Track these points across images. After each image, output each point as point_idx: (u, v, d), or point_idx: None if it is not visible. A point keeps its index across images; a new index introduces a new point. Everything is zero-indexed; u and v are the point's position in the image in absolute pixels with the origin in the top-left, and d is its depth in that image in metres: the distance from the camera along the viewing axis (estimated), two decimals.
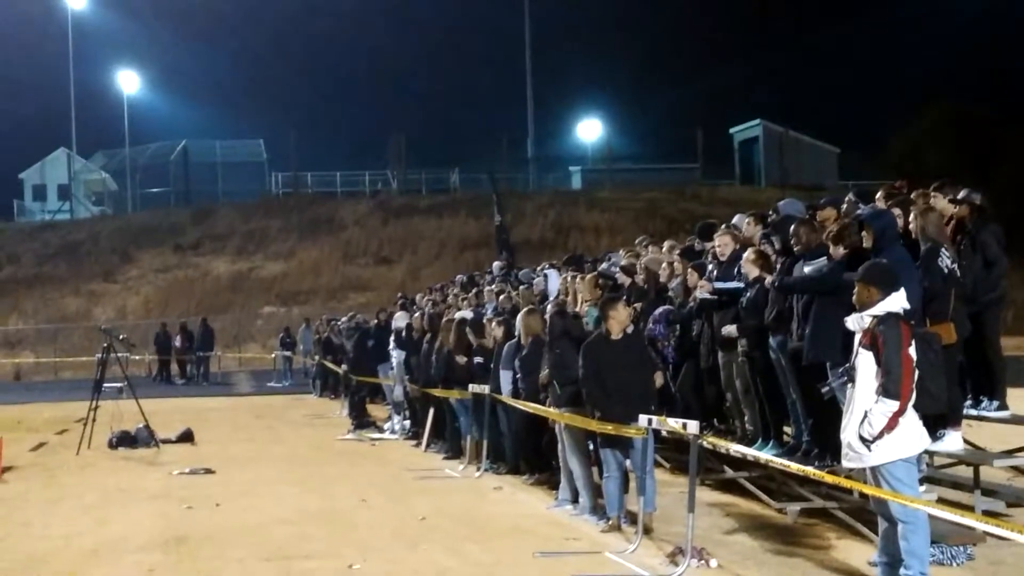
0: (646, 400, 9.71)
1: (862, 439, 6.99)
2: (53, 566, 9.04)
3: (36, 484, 13.95)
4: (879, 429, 6.93)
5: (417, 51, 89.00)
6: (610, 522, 9.95)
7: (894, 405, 6.90)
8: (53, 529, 10.74)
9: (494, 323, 13.96)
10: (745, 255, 10.35)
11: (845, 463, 7.34)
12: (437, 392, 15.68)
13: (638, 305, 11.93)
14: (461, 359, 14.53)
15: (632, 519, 9.80)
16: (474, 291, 19.43)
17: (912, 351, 6.99)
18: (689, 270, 11.47)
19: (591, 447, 10.76)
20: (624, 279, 12.97)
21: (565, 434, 10.85)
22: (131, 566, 8.91)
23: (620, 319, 9.93)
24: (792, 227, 9.68)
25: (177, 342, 37.17)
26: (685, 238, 14.19)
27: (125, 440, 17.52)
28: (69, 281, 50.06)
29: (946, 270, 8.70)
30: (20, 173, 69.25)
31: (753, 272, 10.18)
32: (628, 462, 10.08)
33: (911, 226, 9.00)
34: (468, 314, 15.93)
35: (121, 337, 19.72)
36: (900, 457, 7.04)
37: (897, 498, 6.88)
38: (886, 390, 6.92)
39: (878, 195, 10.25)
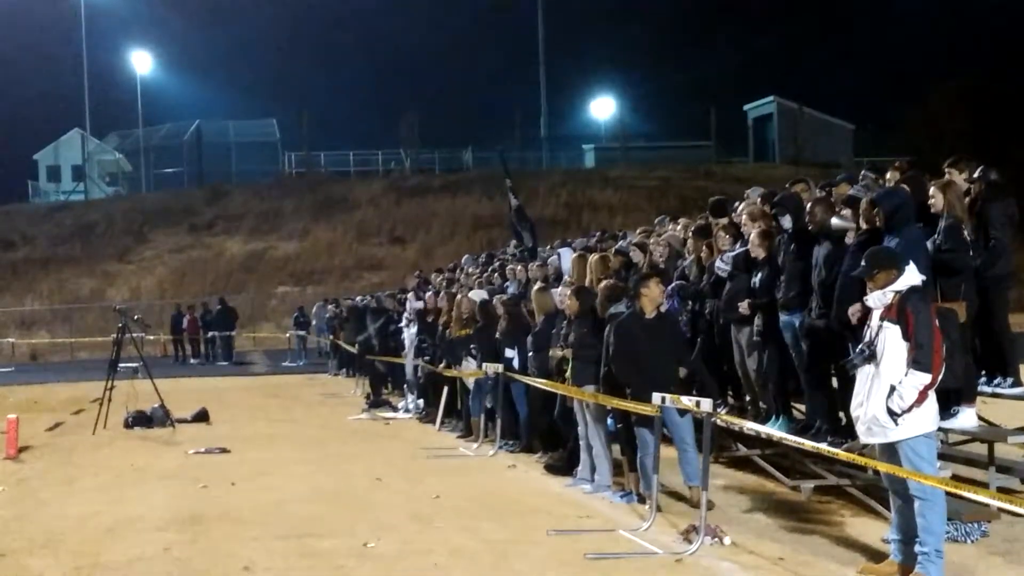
0: (674, 380, 9.69)
1: (891, 413, 6.96)
2: (69, 545, 9.09)
3: (52, 463, 14.03)
4: (910, 402, 6.92)
5: (430, 29, 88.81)
6: (637, 500, 9.98)
7: (926, 378, 6.90)
8: (69, 508, 10.79)
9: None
10: (752, 236, 10.31)
11: (865, 438, 7.31)
12: (451, 373, 15.73)
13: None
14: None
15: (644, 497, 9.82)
16: (490, 270, 19.40)
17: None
18: (720, 233, 11.30)
19: (609, 423, 10.75)
20: (639, 257, 12.95)
21: (586, 411, 10.86)
22: (147, 544, 8.95)
23: (653, 296, 9.90)
24: (809, 205, 9.64)
25: (185, 323, 37.33)
26: (698, 216, 14.13)
27: (140, 420, 17.59)
28: (84, 262, 50.26)
29: (968, 245, 8.67)
30: (35, 154, 69.55)
31: (760, 253, 10.15)
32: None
33: (931, 201, 8.94)
34: (483, 294, 15.94)
35: (136, 317, 19.78)
36: (923, 432, 7.04)
37: (914, 475, 6.87)
38: (918, 363, 6.91)
39: (888, 175, 10.20)
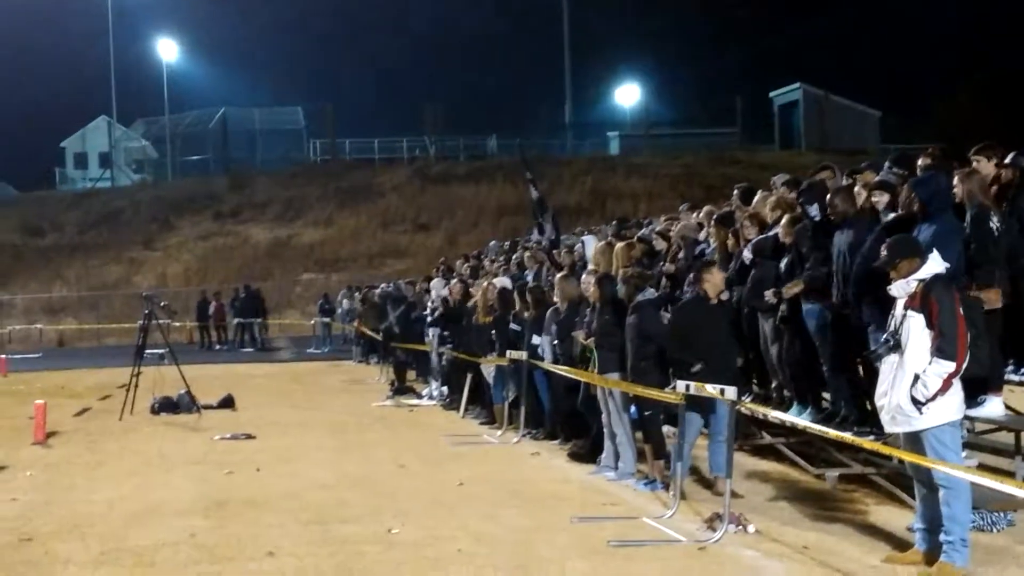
0: (733, 367, 9.81)
1: (915, 401, 6.94)
2: (96, 529, 9.16)
3: (79, 449, 14.12)
4: (934, 391, 6.89)
5: (455, 16, 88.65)
6: (661, 487, 9.97)
7: (950, 366, 6.87)
8: (96, 493, 10.88)
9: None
10: (783, 221, 10.25)
11: (891, 428, 7.28)
12: (476, 360, 15.73)
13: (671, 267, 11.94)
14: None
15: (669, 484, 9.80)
16: (513, 258, 19.42)
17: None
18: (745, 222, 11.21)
19: (633, 411, 10.74)
20: (662, 244, 12.92)
21: (610, 399, 10.85)
22: (173, 530, 9.01)
23: (715, 283, 9.94)
24: (828, 195, 9.58)
25: (211, 310, 37.50)
26: (723, 203, 14.07)
27: (167, 406, 17.69)
28: (110, 249, 50.57)
29: (996, 233, 8.59)
30: (62, 142, 70.00)
31: (789, 239, 10.09)
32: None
33: (955, 190, 8.87)
34: (507, 281, 15.95)
35: (162, 304, 19.88)
36: (948, 421, 7.01)
37: (939, 465, 6.84)
38: (942, 351, 6.88)
39: (920, 161, 10.09)
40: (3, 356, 29.00)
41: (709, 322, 9.85)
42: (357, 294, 32.97)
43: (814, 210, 9.83)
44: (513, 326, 14.29)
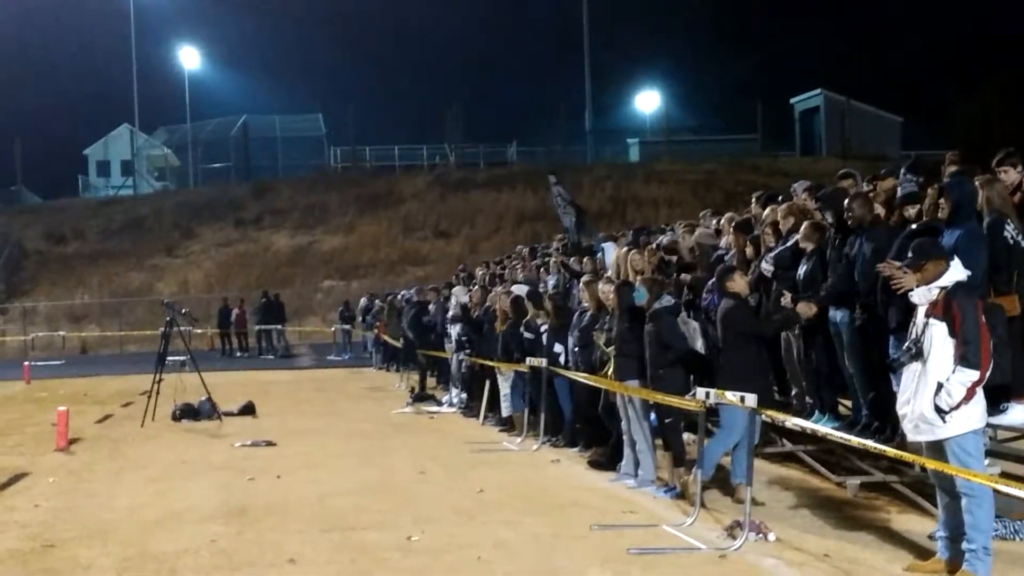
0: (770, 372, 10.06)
1: (939, 410, 6.91)
2: (118, 535, 9.20)
3: (101, 455, 14.20)
4: (958, 399, 6.87)
5: (475, 23, 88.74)
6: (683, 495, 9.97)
7: (974, 375, 6.85)
8: (118, 499, 10.93)
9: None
10: (803, 227, 10.22)
11: (914, 436, 7.24)
12: (494, 364, 15.72)
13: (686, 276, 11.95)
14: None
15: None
16: (533, 264, 19.41)
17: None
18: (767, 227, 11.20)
19: (653, 418, 10.73)
20: (669, 257, 12.93)
21: (629, 407, 10.83)
22: (194, 536, 9.05)
23: (740, 289, 9.99)
24: (846, 201, 9.55)
25: (233, 317, 37.65)
26: (744, 211, 14.03)
27: (188, 413, 17.77)
28: (133, 256, 50.80)
29: (1011, 241, 8.54)
30: (84, 149, 70.41)
31: (809, 245, 10.06)
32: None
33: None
34: (522, 289, 15.93)
35: (184, 311, 19.96)
36: (971, 429, 6.98)
37: (962, 473, 6.81)
38: (966, 359, 6.86)
39: (947, 167, 10.03)
40: (26, 363, 29.17)
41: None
42: (378, 301, 33.00)
43: (830, 217, 9.80)
44: (527, 334, 14.29)
